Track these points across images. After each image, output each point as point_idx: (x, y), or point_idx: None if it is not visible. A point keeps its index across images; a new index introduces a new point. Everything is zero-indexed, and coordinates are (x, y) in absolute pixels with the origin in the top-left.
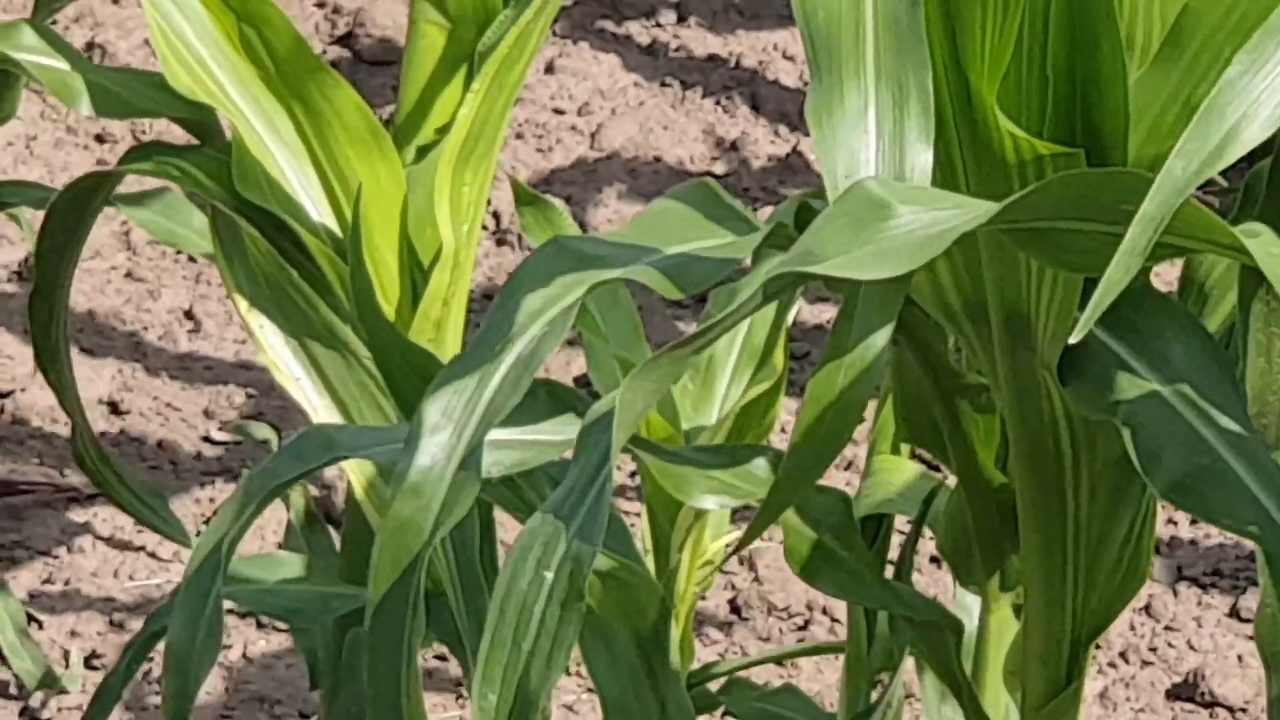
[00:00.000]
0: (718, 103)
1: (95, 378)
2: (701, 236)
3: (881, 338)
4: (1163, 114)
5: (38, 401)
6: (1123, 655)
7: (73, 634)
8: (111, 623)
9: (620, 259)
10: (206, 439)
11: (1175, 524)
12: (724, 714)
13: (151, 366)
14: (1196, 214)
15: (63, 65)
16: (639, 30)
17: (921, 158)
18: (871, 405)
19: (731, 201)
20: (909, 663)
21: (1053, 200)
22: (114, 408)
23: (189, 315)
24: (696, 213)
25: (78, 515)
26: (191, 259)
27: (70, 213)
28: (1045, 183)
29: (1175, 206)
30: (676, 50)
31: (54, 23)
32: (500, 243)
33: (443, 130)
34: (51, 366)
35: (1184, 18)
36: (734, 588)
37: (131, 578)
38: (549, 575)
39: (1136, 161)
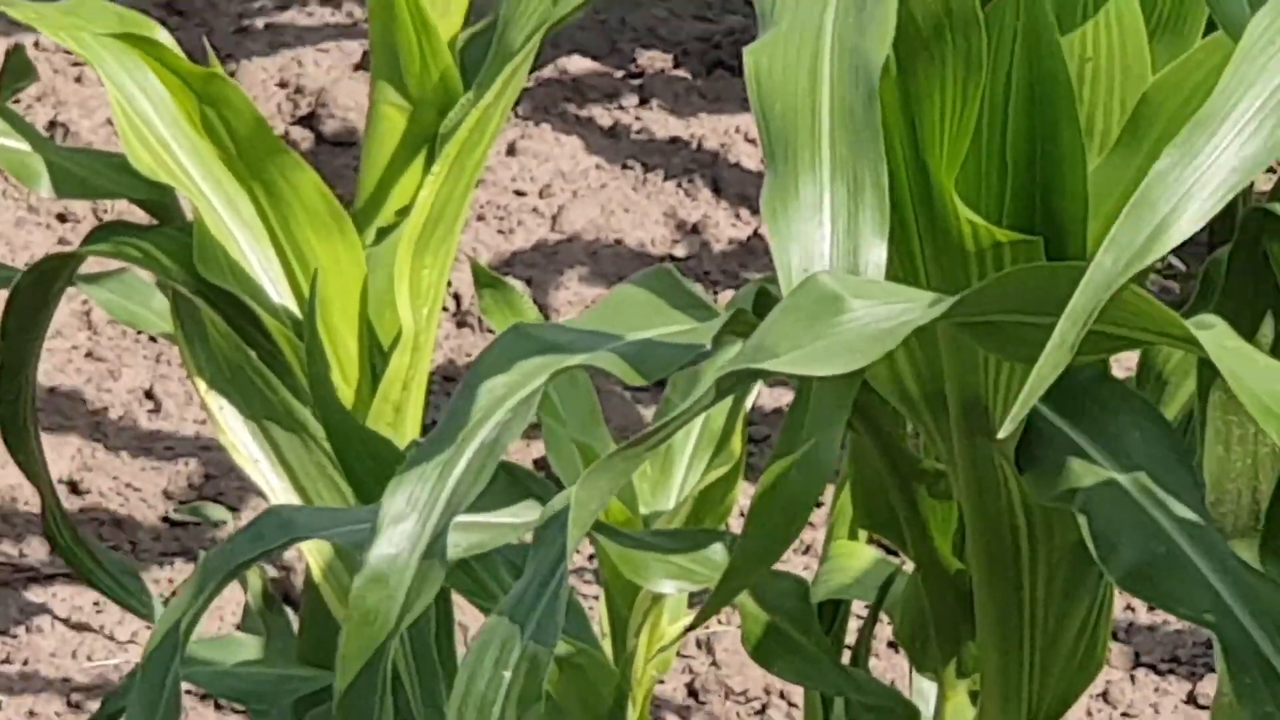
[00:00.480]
0: (679, 185)
1: (55, 457)
2: (662, 323)
3: (836, 428)
4: (1122, 202)
5: None
6: None
7: (31, 714)
8: (69, 703)
9: (581, 345)
10: (165, 519)
11: (1133, 610)
12: None
13: (111, 446)
14: (1149, 306)
15: (23, 146)
16: (601, 113)
17: (876, 252)
18: (830, 489)
19: (691, 287)
20: None
21: (1006, 293)
22: (73, 487)
23: (149, 395)
24: (657, 299)
25: (36, 595)
26: (152, 338)
27: (34, 293)
28: (999, 276)
29: (1104, 300)
30: (638, 133)
31: (16, 101)
32: (461, 324)
33: (403, 212)
34: (20, 448)
35: (1143, 106)
36: (692, 671)
37: (90, 658)
38: (507, 674)
39: (1095, 250)
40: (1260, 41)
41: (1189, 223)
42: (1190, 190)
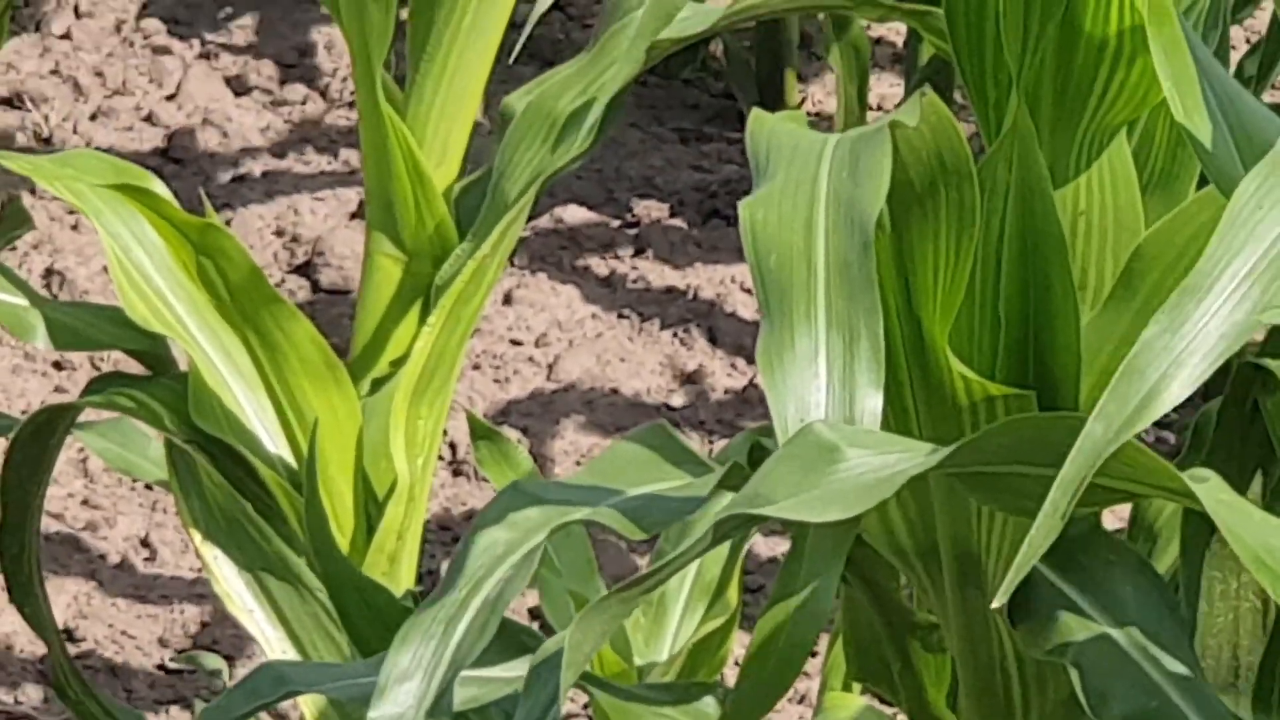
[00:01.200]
0: (675, 335)
1: (51, 604)
2: (660, 478)
3: (830, 578)
4: (1115, 356)
5: None
6: None
7: None
8: None
9: (581, 500)
10: (161, 667)
11: None
12: None
13: (107, 593)
14: (1145, 459)
15: (20, 301)
16: (597, 262)
17: (871, 402)
18: (825, 637)
19: (687, 443)
20: None
21: (1000, 444)
22: (69, 634)
23: (145, 543)
24: (653, 454)
25: None
26: (148, 486)
27: (33, 445)
28: (993, 427)
29: (1094, 468)
30: (635, 282)
31: (13, 249)
32: (456, 474)
33: (398, 363)
34: (26, 600)
35: (1136, 261)
36: None
37: None
38: None
39: (1088, 404)
40: (1249, 205)
41: (1179, 389)
42: (1179, 357)
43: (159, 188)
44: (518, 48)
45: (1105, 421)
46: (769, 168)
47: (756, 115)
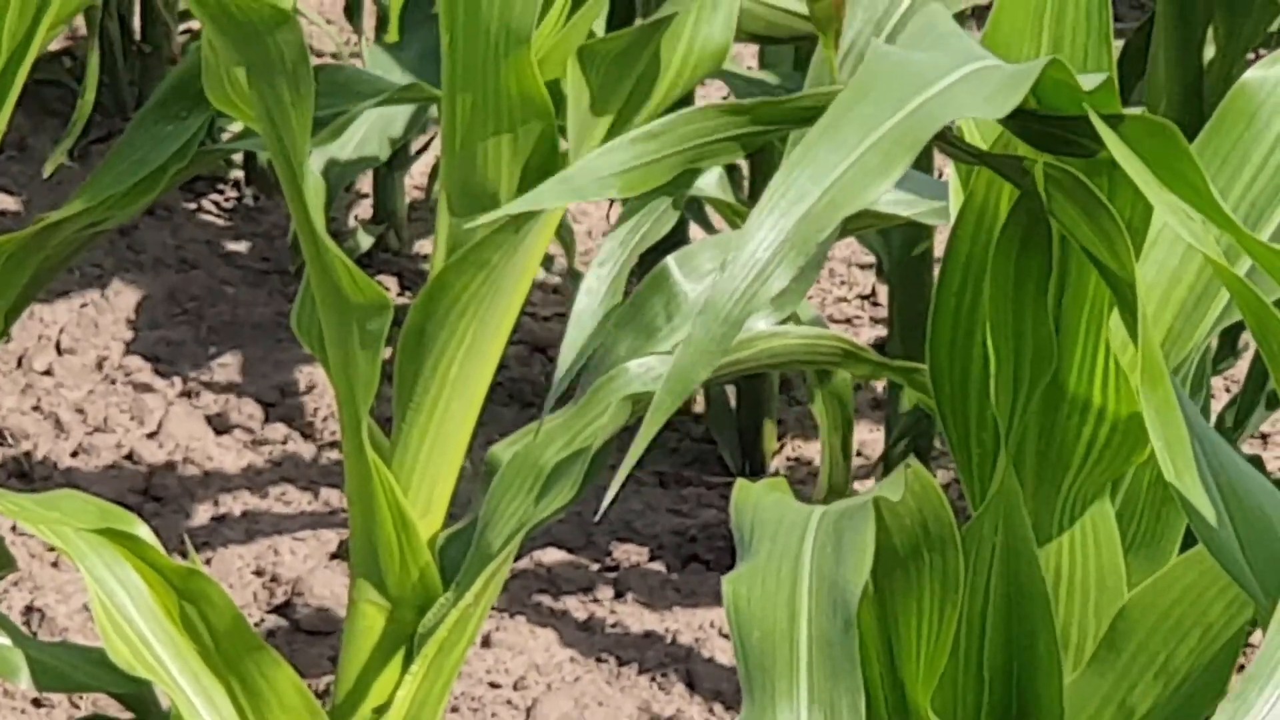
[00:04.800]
0: (653, 680)
1: None
2: None
3: None
4: (1097, 716)
5: None
6: None
7: None
8: None
9: None
10: None
11: None
12: None
13: None
14: None
15: (3, 640)
16: (576, 605)
17: None
18: None
19: None
20: None
21: None
22: None
23: None
24: None
25: None
26: None
27: None
28: None
29: None
30: (613, 626)
31: None
32: None
33: (381, 710)
34: None
35: (1120, 620)
36: None
37: None
38: None
39: None
40: None
41: None
42: None
43: (144, 532)
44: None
45: None
46: (753, 542)
47: (741, 486)
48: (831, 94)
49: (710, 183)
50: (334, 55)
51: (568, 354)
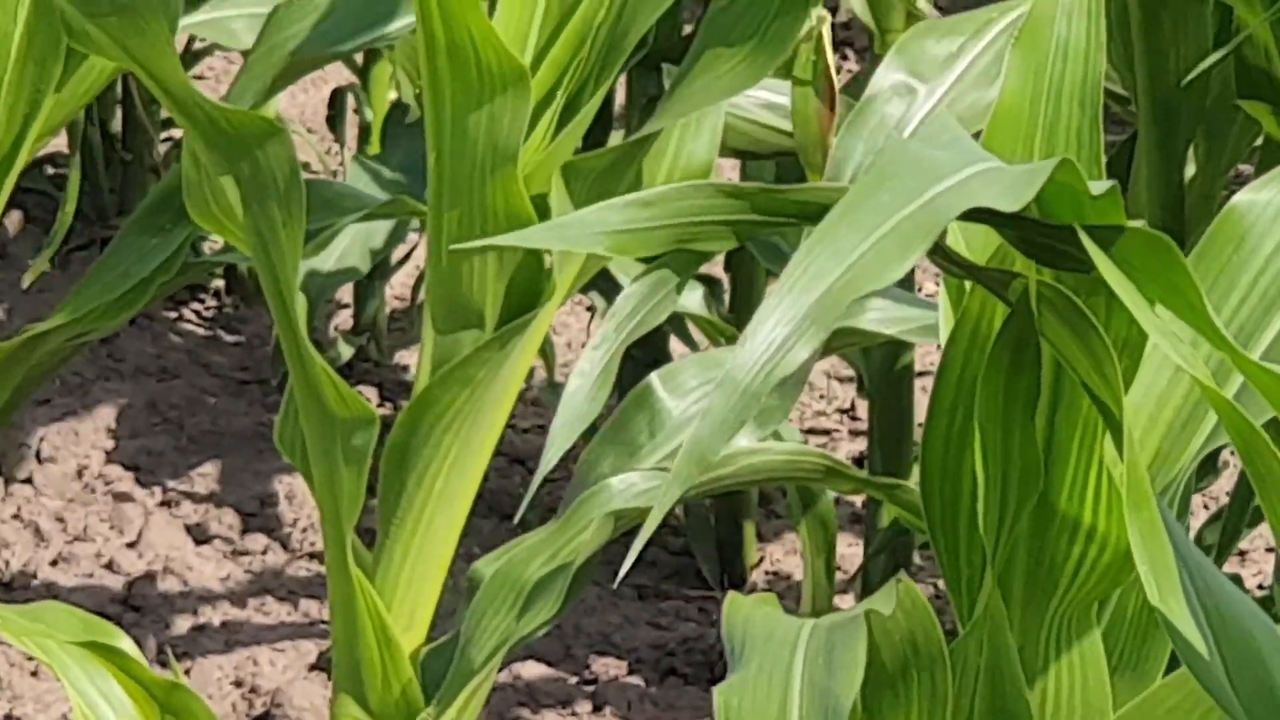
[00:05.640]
0: None
1: None
2: None
3: None
4: None
5: None
6: None
7: None
8: None
9: None
10: None
11: None
12: None
13: None
14: None
15: None
16: (554, 719)
17: None
18: None
19: None
20: None
21: None
22: None
23: None
24: None
25: None
26: None
27: None
28: None
29: None
30: None
31: None
32: None
33: None
34: None
35: None
36: None
37: None
38: None
39: None
40: None
41: None
42: None
43: (127, 645)
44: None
45: None
46: (744, 654)
47: (732, 599)
48: (830, 190)
49: (694, 300)
50: (316, 167)
51: (559, 437)
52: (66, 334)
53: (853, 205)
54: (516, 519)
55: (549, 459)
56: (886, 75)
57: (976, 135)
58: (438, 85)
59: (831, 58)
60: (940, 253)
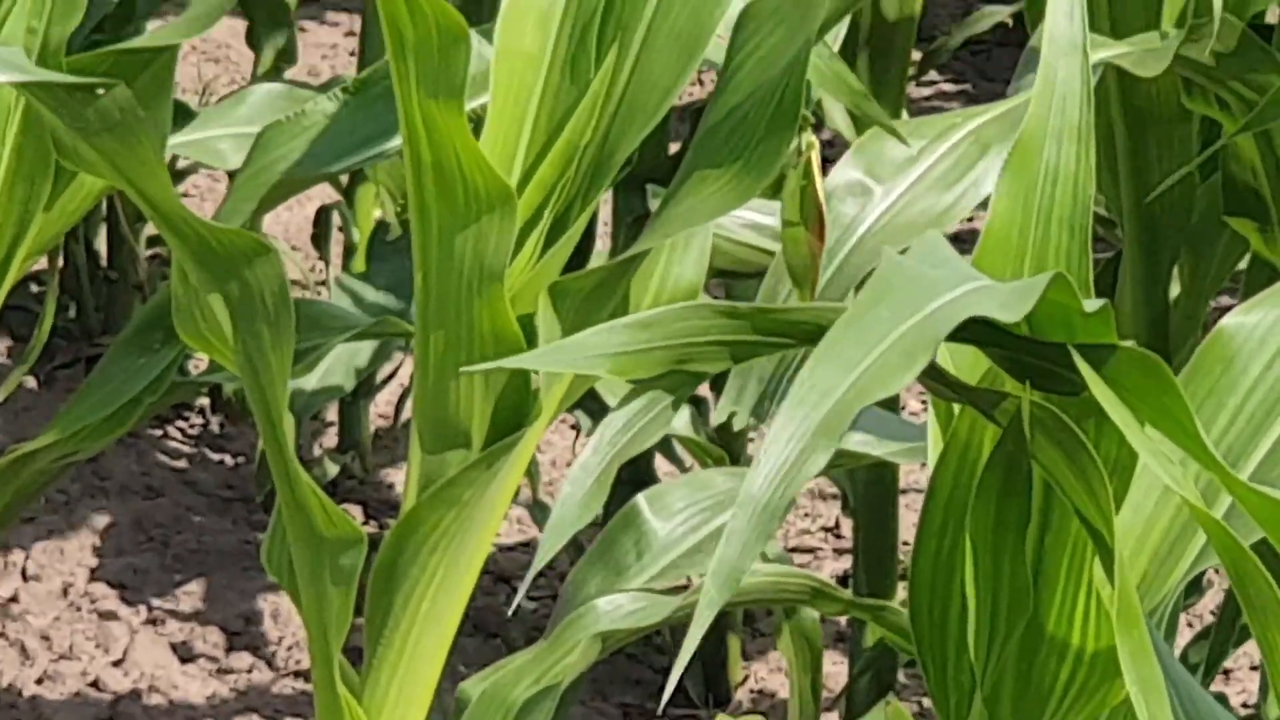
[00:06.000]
0: None
1: None
2: None
3: None
4: None
5: None
6: None
7: None
8: None
9: None
10: None
11: None
12: None
13: None
14: None
15: None
16: None
17: None
18: None
19: None
20: None
21: None
22: None
23: None
24: None
25: None
26: None
27: None
28: None
29: None
30: None
31: None
32: None
33: None
34: None
35: None
36: None
37: None
38: None
39: None
40: None
41: None
42: None
43: None
44: None
45: None
46: None
47: None
48: (828, 310)
49: (681, 420)
50: (300, 285)
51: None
52: (55, 454)
53: (853, 321)
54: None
55: (541, 558)
56: (843, 173)
57: None
58: (424, 205)
59: (820, 183)
60: (932, 374)
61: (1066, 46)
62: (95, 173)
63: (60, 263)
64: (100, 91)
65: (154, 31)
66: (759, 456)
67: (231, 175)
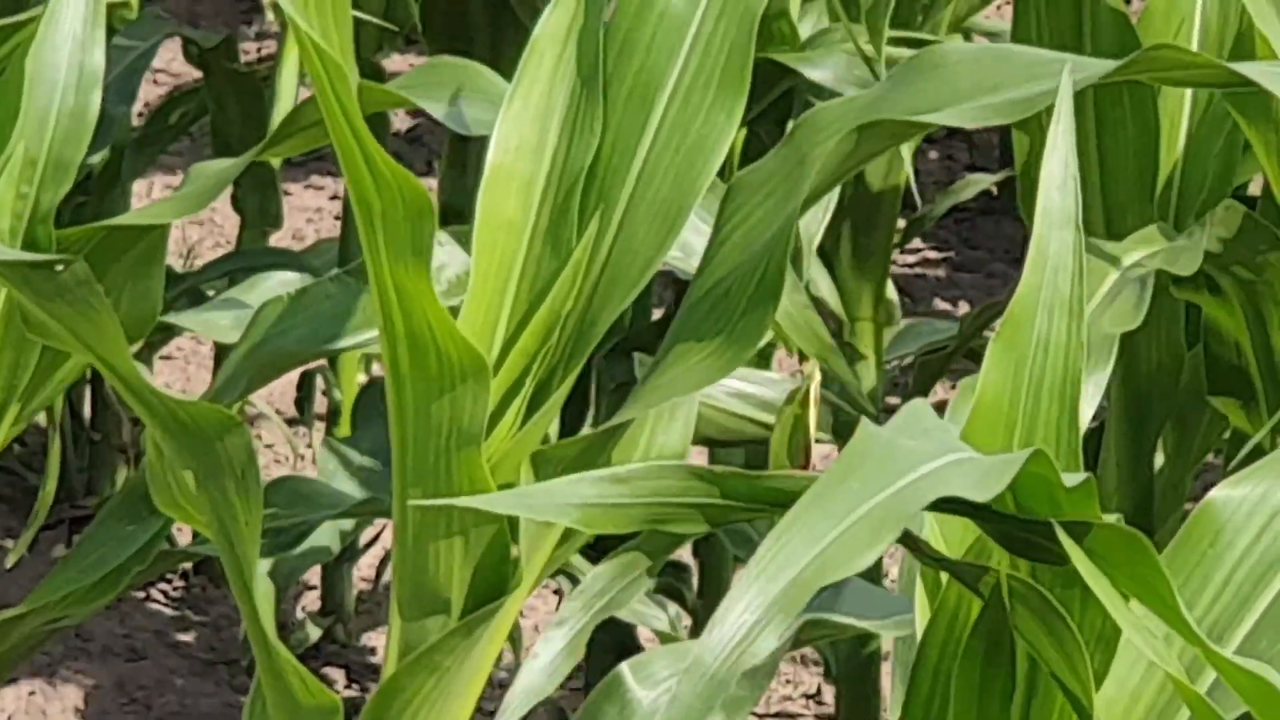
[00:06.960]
0: None
1: None
2: None
3: None
4: None
5: None
6: None
7: None
8: None
9: None
10: None
11: None
12: None
13: None
14: None
15: None
16: None
17: None
18: None
19: None
20: None
21: None
22: None
23: None
24: None
25: None
26: None
27: None
28: None
29: None
30: None
31: None
32: None
33: None
34: None
35: None
36: None
37: None
38: None
39: None
40: None
41: None
42: None
43: None
44: None
45: None
46: None
47: None
48: (802, 478)
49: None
50: (283, 449)
51: (519, 701)
52: (40, 618)
53: (823, 492)
54: None
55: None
56: None
57: None
58: (398, 373)
59: (815, 414)
60: (912, 544)
61: (1059, 219)
62: (59, 344)
63: (56, 429)
64: (59, 268)
65: (146, 207)
66: (711, 623)
67: (226, 349)
